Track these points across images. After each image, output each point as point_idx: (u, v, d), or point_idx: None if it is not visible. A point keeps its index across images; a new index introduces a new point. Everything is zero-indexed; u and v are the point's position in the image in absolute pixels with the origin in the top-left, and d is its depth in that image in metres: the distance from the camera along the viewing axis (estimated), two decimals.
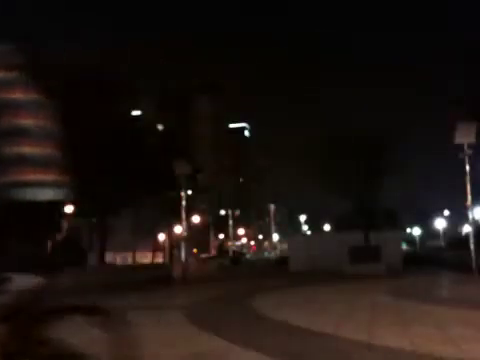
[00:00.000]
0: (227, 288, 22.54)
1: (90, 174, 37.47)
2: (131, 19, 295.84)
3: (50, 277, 2.78)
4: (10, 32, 33.23)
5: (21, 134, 2.54)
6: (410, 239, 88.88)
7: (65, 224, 43.28)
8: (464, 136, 24.60)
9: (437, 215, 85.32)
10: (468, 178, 25.15)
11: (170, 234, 63.01)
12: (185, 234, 35.49)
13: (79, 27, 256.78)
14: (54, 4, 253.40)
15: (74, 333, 8.47)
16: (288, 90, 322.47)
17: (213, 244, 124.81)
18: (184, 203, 32.28)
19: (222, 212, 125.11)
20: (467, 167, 25.08)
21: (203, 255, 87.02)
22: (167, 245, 68.10)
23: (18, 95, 2.56)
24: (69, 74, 35.06)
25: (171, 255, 62.40)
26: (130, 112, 51.98)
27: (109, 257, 52.63)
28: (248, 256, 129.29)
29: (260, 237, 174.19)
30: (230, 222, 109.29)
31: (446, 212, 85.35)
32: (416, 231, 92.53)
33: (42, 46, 36.60)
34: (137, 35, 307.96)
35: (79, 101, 34.76)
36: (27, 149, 2.54)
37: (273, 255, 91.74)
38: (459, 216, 76.18)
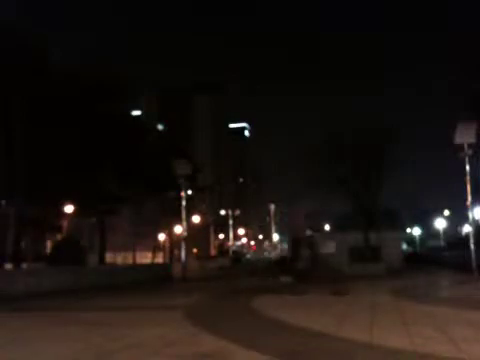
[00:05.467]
0: (227, 288, 22.53)
1: (90, 174, 37.47)
2: (131, 19, 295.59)
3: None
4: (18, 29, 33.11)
5: None
6: (410, 239, 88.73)
7: (65, 224, 43.27)
8: (464, 136, 24.59)
9: (437, 215, 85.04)
10: (468, 178, 25.14)
11: (170, 234, 62.92)
12: (185, 234, 35.44)
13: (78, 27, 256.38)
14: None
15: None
16: (288, 90, 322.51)
17: (213, 244, 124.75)
18: (184, 203, 32.27)
19: (222, 212, 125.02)
20: (467, 167, 25.07)
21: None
22: (167, 245, 68.05)
23: None
24: (70, 74, 35.04)
25: (171, 255, 62.35)
26: (130, 112, 51.96)
27: (109, 257, 52.60)
28: (248, 256, 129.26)
29: (260, 237, 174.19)
30: (230, 222, 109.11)
31: (446, 212, 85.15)
32: (416, 231, 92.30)
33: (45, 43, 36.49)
34: (137, 35, 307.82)
35: (79, 101, 34.73)
36: None
37: (273, 255, 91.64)
38: (459, 216, 76.12)
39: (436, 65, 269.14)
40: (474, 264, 24.37)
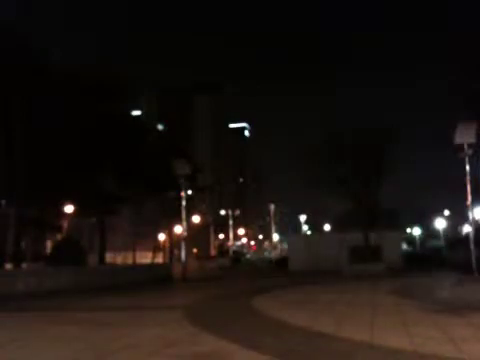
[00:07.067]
0: (227, 288, 22.54)
1: (90, 174, 37.46)
2: (131, 19, 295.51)
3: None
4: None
5: None
6: (410, 239, 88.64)
7: (65, 224, 43.19)
8: (464, 136, 24.59)
9: (437, 215, 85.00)
10: (468, 178, 25.13)
11: (170, 234, 62.88)
12: (185, 234, 35.45)
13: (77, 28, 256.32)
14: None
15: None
16: (288, 90, 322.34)
17: (213, 244, 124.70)
18: (184, 203, 32.27)
19: (222, 212, 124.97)
20: (467, 167, 25.06)
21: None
22: (167, 245, 68.02)
23: None
24: (72, 74, 35.02)
25: (171, 255, 62.32)
26: (130, 112, 51.93)
27: (109, 257, 52.60)
28: (248, 256, 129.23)
29: (260, 237, 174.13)
30: (230, 222, 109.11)
31: (446, 212, 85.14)
32: (416, 231, 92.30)
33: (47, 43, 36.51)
34: (137, 35, 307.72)
35: (79, 101, 34.71)
36: None
37: (273, 255, 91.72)
38: (459, 216, 76.01)
39: (436, 65, 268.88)
40: (474, 264, 24.37)
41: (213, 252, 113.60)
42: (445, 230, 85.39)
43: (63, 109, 32.92)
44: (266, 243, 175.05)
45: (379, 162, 35.14)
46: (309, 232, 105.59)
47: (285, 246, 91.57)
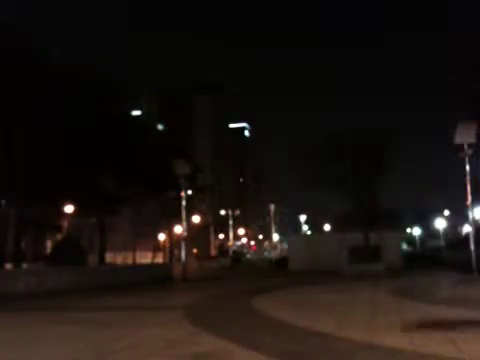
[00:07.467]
0: (227, 288, 22.55)
1: (90, 174, 37.45)
2: (131, 19, 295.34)
3: None
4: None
5: None
6: (410, 239, 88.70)
7: (65, 224, 43.14)
8: (464, 136, 24.59)
9: (437, 215, 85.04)
10: (468, 178, 25.14)
11: (170, 234, 62.88)
12: (185, 234, 35.48)
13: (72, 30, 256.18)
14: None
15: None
16: (288, 90, 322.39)
17: (213, 244, 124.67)
18: (184, 203, 32.28)
19: (222, 212, 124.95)
20: (467, 167, 25.07)
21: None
22: (167, 245, 68.02)
23: None
24: (72, 74, 35.01)
25: (171, 255, 62.33)
26: (130, 112, 51.94)
27: (109, 257, 52.56)
28: (248, 256, 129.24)
29: (260, 237, 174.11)
30: (230, 222, 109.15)
31: (446, 212, 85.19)
32: (416, 231, 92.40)
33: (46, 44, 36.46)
34: (137, 35, 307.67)
35: (79, 101, 34.71)
36: None
37: (273, 255, 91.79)
38: (459, 216, 75.98)
39: (436, 65, 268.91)
40: (474, 264, 24.38)
41: (213, 252, 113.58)
42: (445, 230, 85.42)
43: (63, 109, 32.92)
44: (266, 243, 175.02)
45: (379, 162, 35.14)
46: (309, 232, 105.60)
47: (285, 246, 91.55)
